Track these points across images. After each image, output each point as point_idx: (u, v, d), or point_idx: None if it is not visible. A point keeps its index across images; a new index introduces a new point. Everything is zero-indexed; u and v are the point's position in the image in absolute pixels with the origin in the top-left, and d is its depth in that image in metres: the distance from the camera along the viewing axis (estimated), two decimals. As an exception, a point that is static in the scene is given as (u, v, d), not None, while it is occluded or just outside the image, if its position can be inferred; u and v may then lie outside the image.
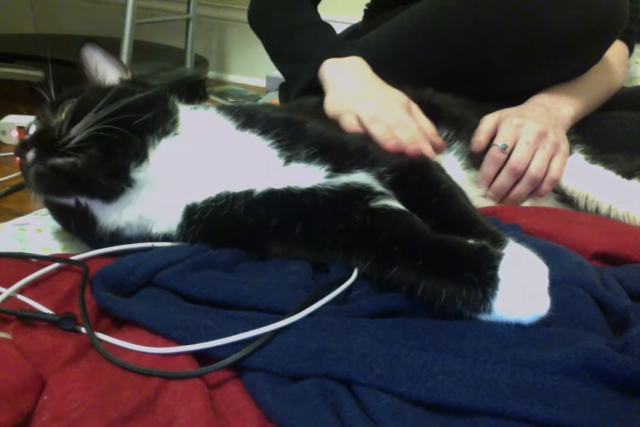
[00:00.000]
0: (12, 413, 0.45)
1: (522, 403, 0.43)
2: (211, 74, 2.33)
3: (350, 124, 0.82)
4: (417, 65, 1.00)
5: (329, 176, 0.66)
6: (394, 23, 1.05)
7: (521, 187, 0.87)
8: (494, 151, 0.87)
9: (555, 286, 0.55)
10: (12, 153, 0.68)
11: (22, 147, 0.64)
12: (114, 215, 0.67)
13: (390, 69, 0.94)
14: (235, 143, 0.70)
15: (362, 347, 0.48)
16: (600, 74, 1.00)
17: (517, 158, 0.85)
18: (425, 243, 0.56)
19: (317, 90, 0.96)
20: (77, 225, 0.70)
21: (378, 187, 0.66)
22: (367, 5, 1.34)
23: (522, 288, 0.50)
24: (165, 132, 0.68)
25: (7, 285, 0.59)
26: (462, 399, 0.44)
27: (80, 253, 0.67)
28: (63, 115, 0.65)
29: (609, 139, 0.97)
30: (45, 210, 0.80)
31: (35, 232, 0.82)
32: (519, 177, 0.86)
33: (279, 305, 0.55)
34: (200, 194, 0.67)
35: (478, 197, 0.88)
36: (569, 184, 0.88)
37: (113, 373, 0.49)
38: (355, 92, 0.89)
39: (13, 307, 0.56)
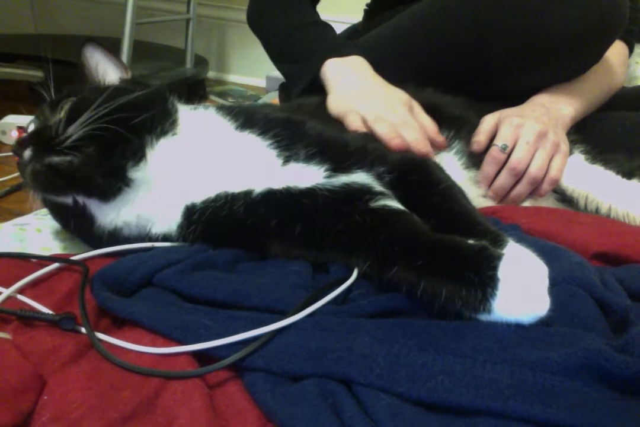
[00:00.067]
0: (12, 413, 0.45)
1: (522, 403, 0.43)
2: (211, 74, 2.33)
3: (355, 124, 0.83)
4: (417, 65, 1.00)
5: (329, 176, 0.66)
6: (394, 23, 1.05)
7: (521, 187, 0.87)
8: (494, 151, 0.87)
9: (555, 286, 0.55)
10: (11, 153, 0.68)
11: (20, 145, 0.64)
12: (112, 214, 0.67)
13: (390, 69, 0.94)
14: (234, 143, 0.70)
15: (362, 347, 0.48)
16: (600, 74, 1.00)
17: (517, 158, 0.85)
18: (425, 243, 0.56)
19: (317, 90, 0.96)
20: (76, 224, 0.70)
21: (378, 187, 0.66)
22: (367, 5, 1.34)
23: (522, 288, 0.50)
24: (164, 132, 0.68)
25: (7, 285, 0.59)
26: (462, 399, 0.44)
27: (80, 253, 0.67)
28: (61, 114, 0.65)
29: (609, 139, 0.97)
30: (45, 211, 0.80)
31: (35, 232, 0.82)
32: (519, 177, 0.86)
33: (279, 305, 0.55)
34: (200, 194, 0.67)
35: (478, 197, 0.88)
36: (569, 184, 0.88)
37: (113, 373, 0.49)
38: (358, 92, 0.89)
39: (13, 307, 0.56)
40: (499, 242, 0.56)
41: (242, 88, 2.25)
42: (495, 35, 0.89)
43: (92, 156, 0.63)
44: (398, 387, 0.46)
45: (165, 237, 0.69)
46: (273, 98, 1.61)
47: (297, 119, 0.74)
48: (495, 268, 0.50)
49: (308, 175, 0.67)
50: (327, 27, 1.04)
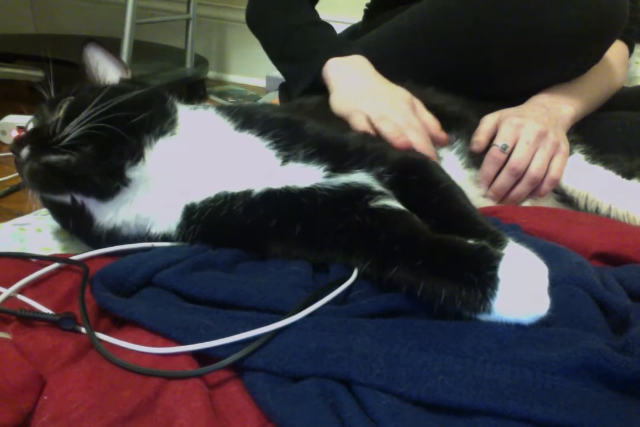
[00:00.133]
0: (12, 413, 0.45)
1: (522, 403, 0.43)
2: (211, 74, 2.33)
3: (360, 124, 0.83)
4: (417, 65, 1.00)
5: (328, 176, 0.66)
6: (394, 23, 1.05)
7: (521, 187, 0.87)
8: (494, 151, 0.87)
9: (555, 286, 0.55)
10: (10, 152, 0.68)
11: (18, 144, 0.64)
12: (111, 213, 0.67)
13: (390, 69, 0.94)
14: (234, 143, 0.70)
15: (362, 347, 0.48)
16: (600, 74, 1.00)
17: (517, 158, 0.85)
18: (425, 243, 0.56)
19: (317, 89, 0.96)
20: (75, 223, 0.70)
21: (378, 187, 0.66)
22: (367, 5, 1.34)
23: (521, 288, 0.50)
24: (163, 132, 0.68)
25: (7, 285, 0.59)
26: (462, 399, 0.44)
27: (80, 253, 0.67)
28: (60, 113, 0.65)
29: (609, 139, 0.97)
30: (45, 211, 0.80)
31: (35, 232, 0.82)
32: (519, 177, 0.86)
33: (279, 305, 0.55)
34: (199, 194, 0.67)
35: (478, 197, 0.88)
36: (569, 184, 0.88)
37: (113, 373, 0.49)
38: (361, 91, 0.90)
39: (13, 307, 0.56)
40: (499, 242, 0.56)
41: (242, 88, 2.25)
42: (495, 35, 0.89)
43: (89, 155, 0.63)
44: (398, 387, 0.46)
45: (164, 237, 0.69)
46: (273, 98, 1.61)
47: (297, 119, 0.75)
48: (495, 268, 0.50)
49: (307, 175, 0.67)
50: (327, 27, 1.04)
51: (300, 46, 1.01)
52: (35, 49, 1.87)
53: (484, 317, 0.51)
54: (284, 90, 1.20)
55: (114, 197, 0.66)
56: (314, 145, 0.68)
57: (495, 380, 0.45)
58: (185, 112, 0.74)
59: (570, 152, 0.90)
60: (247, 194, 0.66)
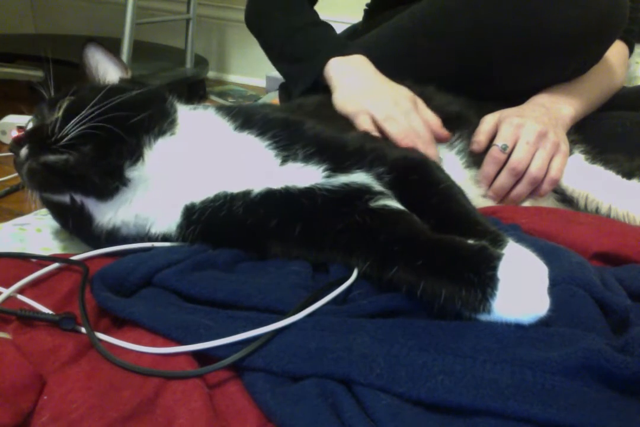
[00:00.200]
0: (12, 413, 0.45)
1: (522, 403, 0.43)
2: (211, 74, 2.33)
3: (365, 125, 0.85)
4: (417, 65, 1.00)
5: (328, 176, 0.66)
6: (394, 23, 1.05)
7: (521, 187, 0.87)
8: (494, 151, 0.87)
9: (555, 286, 0.55)
10: (9, 152, 0.68)
11: (16, 143, 0.64)
12: (110, 213, 0.67)
13: (390, 69, 0.95)
14: (233, 144, 0.70)
15: (362, 347, 0.48)
16: (600, 74, 1.00)
17: (518, 158, 0.86)
18: (424, 243, 0.56)
19: (318, 89, 0.96)
20: (74, 223, 0.70)
21: (377, 186, 0.66)
22: (367, 5, 1.34)
23: (521, 288, 0.50)
24: (162, 132, 0.68)
25: (7, 285, 0.60)
26: (462, 399, 0.44)
27: (80, 253, 0.67)
28: (59, 113, 0.65)
29: (609, 139, 0.97)
30: (45, 211, 0.80)
31: (35, 232, 0.82)
32: (519, 177, 0.87)
33: (279, 305, 0.55)
34: (199, 194, 0.67)
35: (478, 196, 0.88)
36: (569, 184, 0.88)
37: (113, 373, 0.49)
38: (363, 90, 0.90)
39: (13, 307, 0.56)
40: (499, 242, 0.56)
41: (242, 88, 2.25)
42: (495, 35, 0.89)
43: (88, 155, 0.63)
44: (398, 387, 0.46)
45: (164, 237, 0.69)
46: (273, 98, 1.61)
47: (296, 120, 0.75)
48: (494, 268, 0.50)
49: (307, 175, 0.67)
50: (327, 27, 1.04)
51: (301, 46, 1.02)
52: (35, 49, 1.87)
53: (483, 317, 0.51)
54: (284, 90, 1.20)
55: (113, 197, 0.66)
56: (314, 146, 0.68)
57: (495, 380, 0.45)
58: (185, 112, 0.74)
59: (571, 152, 0.90)
60: (246, 194, 0.66)
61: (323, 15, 1.08)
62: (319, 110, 0.89)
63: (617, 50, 1.05)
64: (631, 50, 1.13)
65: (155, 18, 2.18)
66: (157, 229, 0.69)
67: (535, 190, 0.88)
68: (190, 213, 0.67)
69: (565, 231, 0.72)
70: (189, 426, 0.43)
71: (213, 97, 2.08)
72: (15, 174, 1.12)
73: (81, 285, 0.59)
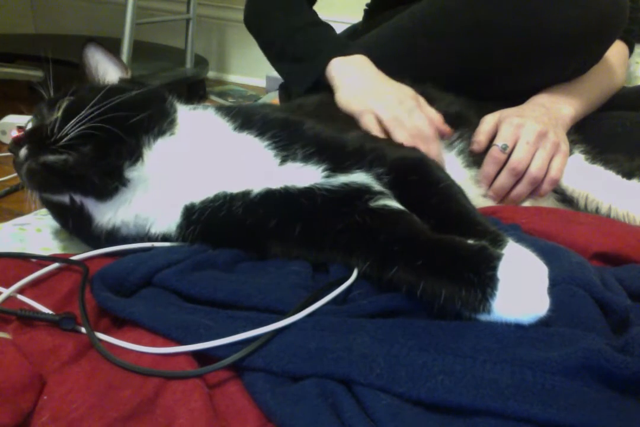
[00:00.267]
0: (12, 413, 0.45)
1: (522, 403, 0.43)
2: (211, 74, 2.33)
3: (371, 126, 0.85)
4: (417, 65, 1.00)
5: (327, 176, 0.66)
6: (394, 23, 1.05)
7: (521, 187, 0.87)
8: (494, 151, 0.87)
9: (555, 286, 0.55)
10: (8, 152, 0.68)
11: (16, 143, 0.65)
12: (109, 213, 0.67)
13: (390, 69, 0.95)
14: (232, 144, 0.70)
15: (362, 347, 0.48)
16: (600, 74, 1.00)
17: (518, 158, 0.86)
18: (424, 243, 0.56)
19: (318, 89, 0.96)
20: (74, 223, 0.70)
21: (377, 186, 0.66)
22: (367, 5, 1.34)
23: (521, 288, 0.50)
24: (162, 132, 0.68)
25: (7, 285, 0.59)
26: (462, 399, 0.44)
27: (80, 253, 0.67)
28: (58, 113, 0.65)
29: (609, 139, 0.97)
30: (45, 211, 0.80)
31: (35, 232, 0.82)
32: (519, 177, 0.87)
33: (279, 305, 0.55)
34: (198, 195, 0.67)
35: (478, 196, 0.88)
36: (569, 184, 0.88)
37: (113, 373, 0.49)
38: (366, 89, 0.91)
39: (13, 307, 0.56)
40: (499, 242, 0.56)
41: (242, 88, 2.25)
42: (495, 35, 0.89)
43: (87, 155, 0.63)
44: (398, 387, 0.46)
45: (164, 237, 0.69)
46: (273, 98, 1.61)
47: (295, 120, 0.75)
48: (494, 268, 0.50)
49: (306, 175, 0.66)
50: (327, 27, 1.05)
51: (302, 46, 1.02)
52: (35, 49, 1.87)
53: (483, 317, 0.51)
54: (284, 90, 1.20)
55: (112, 197, 0.66)
56: (313, 145, 0.68)
57: (495, 380, 0.45)
58: (184, 112, 0.74)
59: (571, 152, 0.90)
60: (246, 194, 0.66)
61: (323, 15, 1.08)
62: (319, 111, 0.89)
63: (617, 50, 1.05)
64: (631, 50, 1.13)
65: (155, 18, 2.18)
66: (156, 229, 0.69)
67: (535, 190, 0.88)
68: (190, 213, 0.67)
69: (565, 231, 0.72)
70: (189, 426, 0.43)
71: (213, 97, 2.08)
72: (15, 174, 1.12)
73: (81, 285, 0.59)
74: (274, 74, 1.20)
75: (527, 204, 0.90)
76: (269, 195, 0.66)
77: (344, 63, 0.95)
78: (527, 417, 0.43)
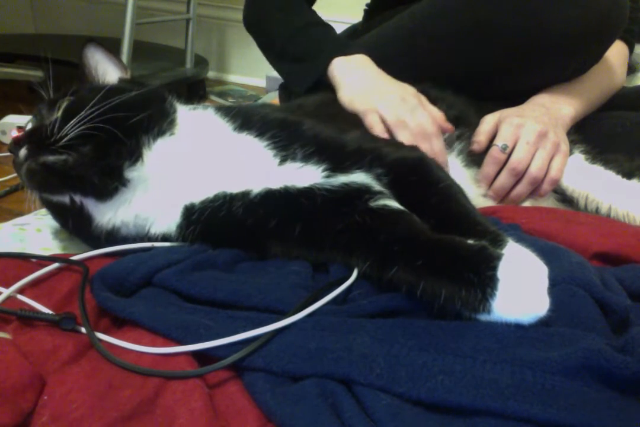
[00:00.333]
0: (12, 413, 0.45)
1: (522, 403, 0.43)
2: (211, 74, 2.33)
3: (375, 126, 0.86)
4: (417, 65, 1.00)
5: (327, 176, 0.66)
6: (394, 23, 1.05)
7: (521, 187, 0.87)
8: (494, 151, 0.87)
9: (555, 286, 0.55)
10: (8, 152, 0.68)
11: (16, 144, 0.65)
12: (109, 213, 0.67)
13: (390, 69, 0.95)
14: (232, 144, 0.70)
15: (362, 347, 0.48)
16: (600, 74, 1.00)
17: (518, 158, 0.86)
18: (424, 243, 0.56)
19: (319, 88, 0.96)
20: (74, 223, 0.70)
21: (377, 186, 0.66)
22: (367, 5, 1.34)
23: (521, 288, 0.50)
24: (161, 132, 0.68)
25: (7, 285, 0.60)
26: (462, 399, 0.44)
27: (80, 253, 0.67)
28: (58, 113, 0.65)
29: (609, 139, 0.97)
30: (45, 211, 0.80)
31: (35, 232, 0.82)
32: (519, 177, 0.87)
33: (279, 305, 0.55)
34: (198, 195, 0.67)
35: (478, 196, 0.88)
36: (569, 184, 0.88)
37: (113, 373, 0.49)
38: (369, 89, 0.91)
39: (13, 307, 0.56)
40: (499, 242, 0.56)
41: (242, 88, 2.25)
42: (495, 35, 0.89)
43: (87, 155, 0.63)
44: (398, 387, 0.46)
45: (164, 237, 0.69)
46: (273, 98, 1.61)
47: (295, 120, 0.75)
48: (494, 268, 0.50)
49: (306, 175, 0.66)
50: (327, 27, 1.05)
51: (303, 46, 1.02)
52: (35, 49, 1.87)
53: (483, 317, 0.51)
54: (284, 90, 1.20)
55: (112, 198, 0.66)
56: (313, 145, 0.68)
57: (495, 380, 0.45)
58: (184, 113, 0.74)
59: (571, 152, 0.90)
60: (246, 194, 0.66)
61: (323, 15, 1.08)
62: (319, 111, 0.90)
63: (617, 50, 1.05)
64: (631, 50, 1.13)
65: (155, 18, 2.18)
66: (156, 229, 0.69)
67: (535, 190, 0.88)
68: (190, 213, 0.67)
69: (565, 231, 0.72)
70: (189, 426, 0.43)
71: (213, 97, 2.08)
72: (15, 174, 1.12)
73: (81, 285, 0.59)
74: (274, 74, 1.20)
75: (527, 204, 0.90)
76: (269, 196, 0.66)
77: (346, 62, 0.96)
78: (527, 417, 0.43)
